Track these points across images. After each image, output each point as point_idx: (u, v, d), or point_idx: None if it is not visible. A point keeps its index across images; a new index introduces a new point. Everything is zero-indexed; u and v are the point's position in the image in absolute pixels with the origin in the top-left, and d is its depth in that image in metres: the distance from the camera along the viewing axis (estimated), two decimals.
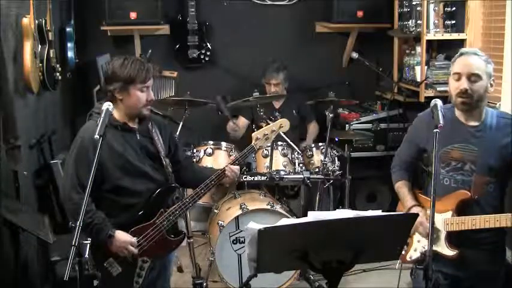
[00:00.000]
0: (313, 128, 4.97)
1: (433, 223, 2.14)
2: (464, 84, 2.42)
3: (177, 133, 4.03)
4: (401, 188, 2.73)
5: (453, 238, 2.48)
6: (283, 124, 2.98)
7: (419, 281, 2.36)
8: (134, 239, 2.57)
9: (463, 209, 2.45)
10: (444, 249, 2.50)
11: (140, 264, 2.62)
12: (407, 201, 2.66)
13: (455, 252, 2.47)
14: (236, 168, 2.87)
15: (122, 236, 2.54)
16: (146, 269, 2.63)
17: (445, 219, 2.48)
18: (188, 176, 2.92)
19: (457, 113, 2.54)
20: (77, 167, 2.51)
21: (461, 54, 2.50)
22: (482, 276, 2.54)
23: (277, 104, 4.85)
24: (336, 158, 4.28)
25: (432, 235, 2.13)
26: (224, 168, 2.84)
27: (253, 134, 2.99)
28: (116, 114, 2.62)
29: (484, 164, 2.47)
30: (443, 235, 2.49)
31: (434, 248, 2.49)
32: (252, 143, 2.98)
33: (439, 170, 2.54)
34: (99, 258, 2.57)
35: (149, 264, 2.64)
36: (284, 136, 4.19)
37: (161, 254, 2.71)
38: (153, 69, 2.65)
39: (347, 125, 4.80)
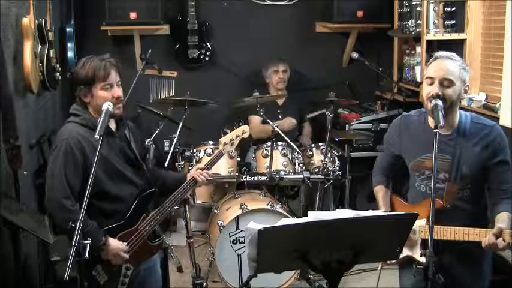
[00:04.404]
0: (307, 128, 5.03)
1: (432, 222, 2.12)
2: (436, 89, 2.37)
3: (177, 133, 4.03)
4: (378, 193, 2.74)
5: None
6: (245, 130, 3.20)
7: (418, 279, 2.36)
8: (125, 246, 2.54)
9: (437, 215, 2.28)
10: (418, 256, 2.45)
11: (124, 271, 2.58)
12: (380, 206, 2.66)
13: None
14: (206, 172, 2.92)
15: (115, 242, 2.51)
16: (129, 276, 2.59)
17: (419, 227, 2.44)
18: (156, 181, 2.86)
19: (430, 120, 2.50)
20: (65, 171, 2.43)
21: (436, 58, 2.44)
22: (459, 280, 2.48)
23: (280, 101, 4.90)
24: (336, 158, 4.28)
25: (432, 235, 2.12)
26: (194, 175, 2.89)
27: (220, 140, 3.17)
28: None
29: (457, 172, 2.43)
30: (418, 242, 2.46)
31: (410, 253, 2.48)
32: (220, 148, 3.12)
33: (415, 177, 2.54)
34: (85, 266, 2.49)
35: (132, 271, 2.60)
36: (284, 136, 4.20)
37: (143, 260, 2.67)
38: (116, 64, 2.53)
39: (347, 125, 4.81)
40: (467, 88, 2.44)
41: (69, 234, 2.33)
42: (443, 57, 2.42)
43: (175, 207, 2.92)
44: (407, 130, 2.59)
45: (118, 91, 2.53)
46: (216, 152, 3.16)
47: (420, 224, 2.42)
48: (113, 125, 2.61)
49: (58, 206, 2.43)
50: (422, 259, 2.41)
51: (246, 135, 3.24)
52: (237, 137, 3.18)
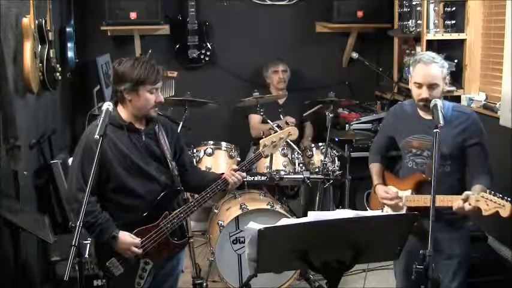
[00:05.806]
0: (309, 128, 5.01)
1: (433, 220, 2.16)
2: (424, 93, 2.71)
3: None
4: (372, 168, 3.10)
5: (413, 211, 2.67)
6: (291, 132, 2.96)
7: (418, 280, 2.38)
8: (138, 240, 2.57)
9: (420, 187, 2.79)
10: None
11: (142, 265, 2.62)
12: (374, 180, 3.04)
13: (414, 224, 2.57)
14: (239, 174, 2.82)
15: (125, 237, 2.54)
16: (148, 271, 2.63)
17: (405, 196, 2.83)
18: (191, 180, 2.89)
19: (419, 111, 2.84)
20: (82, 167, 2.52)
21: (420, 61, 2.73)
22: (442, 242, 2.74)
23: (280, 101, 4.91)
24: (336, 158, 4.28)
25: (432, 234, 2.13)
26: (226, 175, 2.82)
27: (261, 141, 2.95)
28: (123, 114, 2.62)
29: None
30: (404, 210, 2.84)
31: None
32: (260, 150, 2.93)
33: (404, 155, 2.91)
34: (101, 258, 2.58)
35: (151, 266, 2.64)
36: None
37: (163, 257, 2.70)
38: (162, 72, 2.65)
39: (347, 125, 4.80)
40: (447, 81, 2.78)
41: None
42: (426, 62, 2.72)
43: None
44: (401, 116, 2.96)
45: (161, 97, 2.66)
46: (255, 154, 2.93)
47: (406, 194, 2.84)
48: (141, 123, 2.68)
49: (72, 198, 2.53)
50: None
51: (292, 137, 3.00)
52: (280, 139, 2.93)
